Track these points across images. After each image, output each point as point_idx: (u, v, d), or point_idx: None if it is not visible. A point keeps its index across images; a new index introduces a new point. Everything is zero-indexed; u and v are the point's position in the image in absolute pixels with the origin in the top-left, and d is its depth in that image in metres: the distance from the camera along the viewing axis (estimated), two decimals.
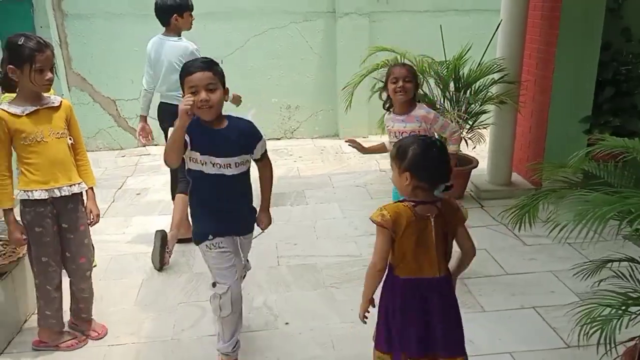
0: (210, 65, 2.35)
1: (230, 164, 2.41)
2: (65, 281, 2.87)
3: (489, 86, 4.59)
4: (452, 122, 3.35)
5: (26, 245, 2.72)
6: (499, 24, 4.51)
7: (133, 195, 5.00)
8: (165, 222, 4.38)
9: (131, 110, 6.22)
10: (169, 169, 4.09)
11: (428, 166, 1.97)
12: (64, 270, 2.83)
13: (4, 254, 2.90)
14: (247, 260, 2.81)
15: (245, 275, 2.87)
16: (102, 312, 3.13)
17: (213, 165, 2.39)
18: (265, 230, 2.72)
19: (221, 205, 2.48)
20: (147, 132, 4.00)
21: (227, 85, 2.42)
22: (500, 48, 4.57)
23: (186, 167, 2.47)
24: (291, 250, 3.86)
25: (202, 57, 2.46)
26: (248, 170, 2.51)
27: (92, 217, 2.83)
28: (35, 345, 2.86)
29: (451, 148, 3.17)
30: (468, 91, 4.58)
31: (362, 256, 3.76)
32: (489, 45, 4.64)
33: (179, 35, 3.86)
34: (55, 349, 2.84)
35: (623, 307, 2.01)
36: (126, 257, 3.85)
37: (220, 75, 2.37)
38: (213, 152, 2.38)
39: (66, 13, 6.10)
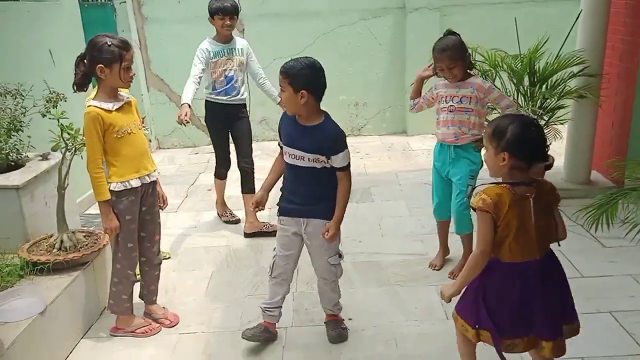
0: (282, 67, 2.55)
1: (303, 157, 2.60)
2: None
3: (567, 80, 4.36)
4: (509, 96, 3.29)
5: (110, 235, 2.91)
6: (579, 14, 4.27)
7: (204, 191, 5.18)
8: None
9: (201, 110, 6.42)
10: (237, 166, 4.22)
11: (528, 146, 1.92)
12: None
13: (87, 245, 3.09)
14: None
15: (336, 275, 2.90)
16: (174, 302, 3.27)
17: (289, 156, 2.65)
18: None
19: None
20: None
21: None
22: (580, 39, 4.34)
23: None
24: (356, 248, 3.85)
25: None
26: (323, 170, 2.61)
27: (163, 200, 3.06)
28: (112, 331, 3.04)
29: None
30: (544, 85, 4.38)
31: (428, 255, 3.69)
32: (568, 37, 4.41)
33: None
34: (131, 334, 3.01)
35: None
36: (198, 250, 4.00)
37: (290, 78, 2.51)
38: (292, 144, 2.62)
39: (146, 17, 6.42)
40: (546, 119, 4.39)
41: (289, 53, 6.33)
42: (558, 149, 4.72)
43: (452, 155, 3.26)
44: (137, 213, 2.89)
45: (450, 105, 3.21)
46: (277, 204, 2.80)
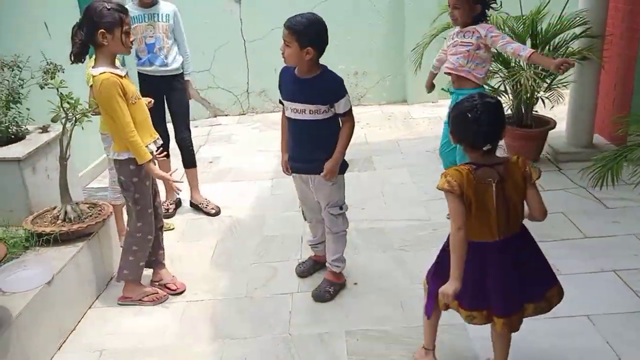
0: (289, 23, 2.57)
1: (304, 110, 2.68)
2: None
3: (570, 41, 4.31)
4: (514, 41, 3.34)
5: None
6: None
7: (206, 164, 5.16)
8: (236, 188, 4.53)
9: (202, 82, 6.38)
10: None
11: (466, 131, 1.96)
12: None
13: (91, 216, 3.09)
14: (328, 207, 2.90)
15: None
16: (180, 272, 3.29)
17: (291, 111, 2.73)
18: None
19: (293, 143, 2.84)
20: None
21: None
22: (583, 0, 4.28)
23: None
24: (359, 215, 3.85)
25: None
26: (324, 122, 2.71)
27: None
28: (120, 301, 3.06)
29: (526, 52, 3.20)
30: (547, 47, 4.32)
31: (432, 220, 3.70)
32: None
33: None
34: (139, 303, 3.03)
35: None
36: (201, 221, 4.01)
37: (297, 34, 2.54)
38: (293, 98, 2.70)
39: None
40: (549, 81, 4.34)
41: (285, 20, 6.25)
42: (560, 113, 4.71)
43: (456, 99, 3.28)
44: (151, 178, 2.89)
45: (454, 41, 3.35)
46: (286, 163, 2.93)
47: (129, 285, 3.04)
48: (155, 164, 2.83)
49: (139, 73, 3.88)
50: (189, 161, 4.10)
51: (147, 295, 3.04)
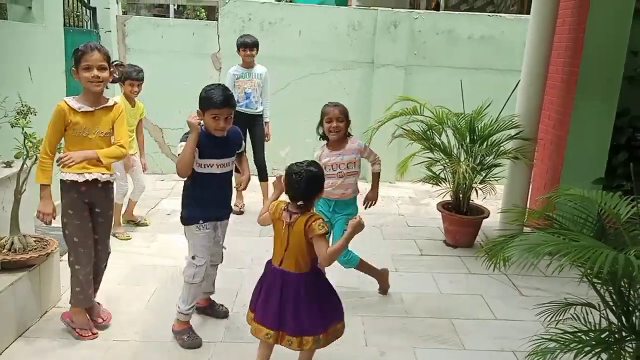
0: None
1: (230, 162, 3.16)
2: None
3: (505, 142, 4.77)
4: (378, 156, 3.79)
5: (58, 241, 3.15)
6: (518, 84, 4.73)
7: (164, 215, 5.40)
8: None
9: (175, 139, 6.71)
10: (254, 162, 5.27)
11: (289, 187, 2.60)
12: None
13: (36, 249, 3.29)
14: (223, 247, 3.41)
15: (223, 259, 3.46)
16: (115, 311, 3.44)
17: (218, 167, 3.09)
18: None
19: (214, 196, 3.17)
20: None
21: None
22: (519, 106, 4.78)
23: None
24: None
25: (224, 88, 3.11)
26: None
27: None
28: (62, 318, 3.23)
29: (375, 168, 3.80)
30: (484, 144, 4.77)
31: (360, 289, 3.94)
32: (507, 104, 4.85)
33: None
34: (72, 331, 3.18)
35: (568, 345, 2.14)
36: (146, 268, 4.20)
37: (235, 108, 3.12)
38: (219, 156, 3.10)
39: (129, 48, 6.78)
40: (483, 175, 4.76)
41: None
42: (491, 206, 5.08)
43: (333, 207, 3.65)
44: (83, 211, 3.08)
45: (340, 172, 3.60)
46: (190, 216, 3.24)
47: (74, 308, 3.21)
48: (48, 192, 3.02)
49: (237, 112, 4.53)
50: (263, 176, 5.55)
51: (81, 329, 3.17)
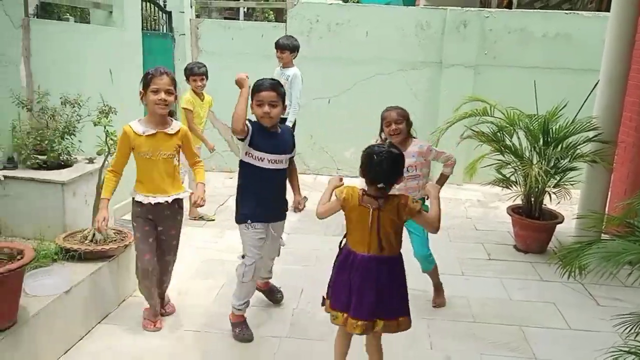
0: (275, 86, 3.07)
1: (283, 160, 3.12)
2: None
3: (582, 144, 4.55)
4: (446, 152, 3.60)
5: (133, 235, 3.30)
6: (596, 84, 4.50)
7: (232, 212, 5.52)
8: None
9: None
10: None
11: (369, 169, 2.46)
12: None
13: (115, 240, 3.47)
14: (281, 238, 3.42)
15: (279, 253, 3.49)
16: (184, 304, 3.58)
17: (269, 162, 3.06)
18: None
19: (264, 194, 3.16)
20: None
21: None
22: (598, 107, 4.56)
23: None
24: None
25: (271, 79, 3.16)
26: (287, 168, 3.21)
27: (200, 201, 3.25)
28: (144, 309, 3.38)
29: (445, 171, 3.60)
30: (559, 146, 4.58)
31: (428, 291, 3.88)
32: (585, 104, 4.63)
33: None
34: (142, 320, 3.34)
35: None
36: (215, 262, 4.33)
37: (282, 95, 3.07)
38: (270, 150, 3.07)
39: (201, 50, 7.01)
40: (557, 178, 4.56)
41: (327, 94, 6.83)
42: (565, 211, 4.85)
43: None
44: (144, 225, 3.16)
45: None
46: (242, 213, 3.33)
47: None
48: (105, 203, 3.09)
49: None
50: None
51: (146, 320, 3.32)
